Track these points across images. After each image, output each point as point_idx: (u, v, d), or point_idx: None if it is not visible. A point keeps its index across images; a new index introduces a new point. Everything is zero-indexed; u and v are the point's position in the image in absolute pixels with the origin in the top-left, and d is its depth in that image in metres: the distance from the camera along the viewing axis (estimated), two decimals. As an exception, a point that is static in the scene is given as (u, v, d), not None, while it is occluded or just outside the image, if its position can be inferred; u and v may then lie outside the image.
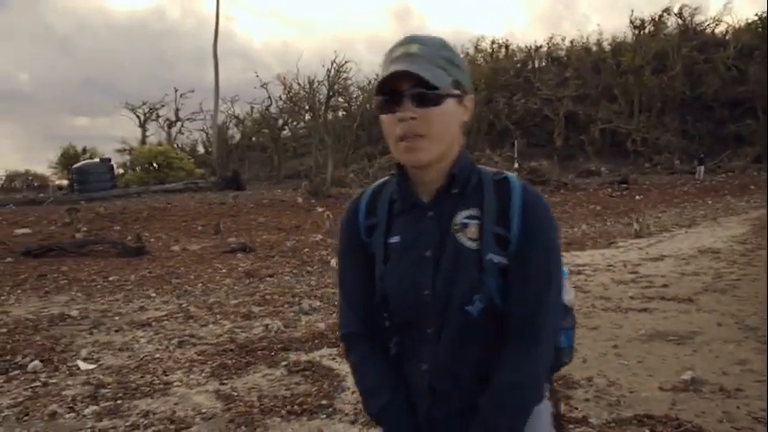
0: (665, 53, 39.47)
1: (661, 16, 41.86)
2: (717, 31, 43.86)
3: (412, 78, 1.23)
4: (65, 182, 39.23)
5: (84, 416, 3.83)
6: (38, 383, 4.46)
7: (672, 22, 42.67)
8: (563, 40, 47.73)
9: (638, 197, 22.59)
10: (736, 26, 43.20)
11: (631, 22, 42.17)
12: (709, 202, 20.72)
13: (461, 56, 1.36)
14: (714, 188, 25.00)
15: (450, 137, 1.30)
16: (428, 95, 1.24)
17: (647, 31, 41.60)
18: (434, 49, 1.28)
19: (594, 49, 45.17)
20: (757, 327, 5.30)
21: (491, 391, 1.29)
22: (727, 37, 42.76)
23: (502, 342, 1.30)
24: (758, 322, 5.44)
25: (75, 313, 6.71)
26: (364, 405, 1.43)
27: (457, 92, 1.29)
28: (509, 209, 1.30)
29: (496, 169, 1.39)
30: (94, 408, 3.94)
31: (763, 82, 35.61)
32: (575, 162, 35.28)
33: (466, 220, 1.31)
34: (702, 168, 29.40)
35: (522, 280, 1.29)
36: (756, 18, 41.27)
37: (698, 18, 43.67)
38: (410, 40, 1.29)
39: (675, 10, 42.02)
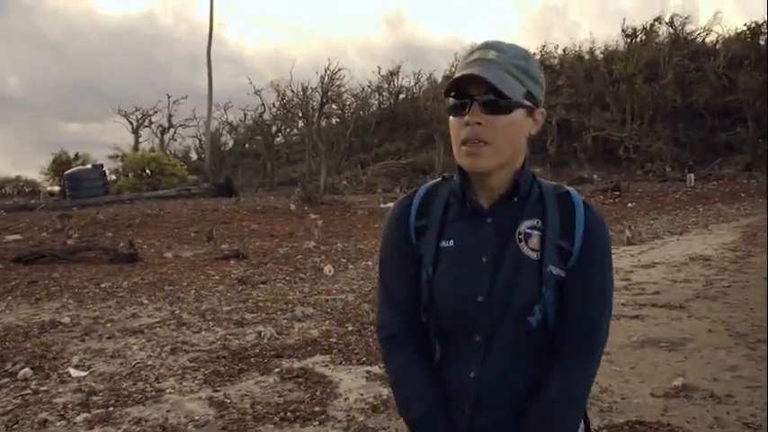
0: (657, 62, 39.78)
1: (653, 25, 42.23)
2: (707, 40, 44.34)
3: (483, 84, 1.23)
4: (56, 188, 39.07)
5: (76, 423, 3.81)
6: (28, 391, 4.43)
7: (663, 31, 43.06)
8: (556, 48, 48.15)
9: (630, 204, 22.71)
10: (726, 36, 43.67)
11: (623, 30, 42.51)
12: (701, 209, 20.85)
13: (539, 70, 1.34)
14: (705, 195, 25.16)
15: (515, 147, 1.30)
16: (498, 103, 1.24)
17: (638, 39, 41.91)
18: (511, 57, 1.27)
19: (587, 57, 45.52)
20: (747, 333, 5.34)
21: (544, 402, 1.28)
22: (717, 46, 43.19)
23: (550, 354, 1.31)
24: (748, 329, 5.48)
25: (66, 320, 6.67)
26: (403, 411, 1.39)
27: (528, 103, 1.29)
28: (573, 223, 1.31)
29: (556, 183, 1.41)
30: (86, 415, 3.92)
31: (754, 90, 36.01)
32: (567, 169, 35.46)
33: (529, 231, 1.31)
34: (692, 176, 29.58)
35: (582, 295, 1.30)
36: (746, 28, 41.69)
37: (689, 27, 44.11)
38: (488, 45, 1.29)
39: (667, 19, 42.43)
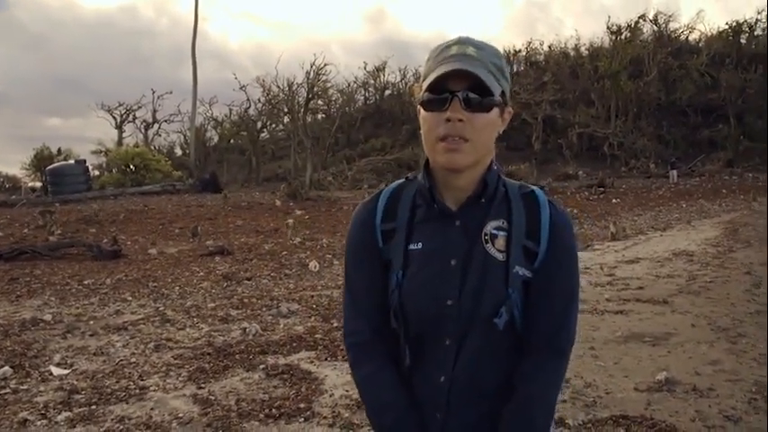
0: (641, 59, 40.13)
1: (637, 23, 42.61)
2: (690, 38, 44.82)
3: (466, 80, 1.21)
4: (38, 184, 38.54)
5: (57, 423, 3.76)
6: (7, 390, 4.36)
7: (647, 28, 43.49)
8: (541, 44, 48.36)
9: (614, 200, 22.89)
10: (709, 34, 44.14)
11: (608, 27, 42.90)
12: (684, 205, 21.07)
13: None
14: (688, 192, 25.44)
15: (489, 146, 1.29)
16: (479, 100, 1.23)
17: (623, 37, 42.25)
18: (489, 55, 1.26)
19: (572, 54, 45.75)
20: (729, 327, 5.41)
21: (515, 404, 1.28)
22: (700, 44, 43.66)
23: (519, 355, 1.30)
24: (729, 323, 5.56)
25: (48, 317, 6.59)
26: (374, 420, 1.36)
27: (502, 102, 1.28)
28: (539, 223, 1.30)
29: (520, 182, 1.40)
30: (67, 414, 3.87)
31: (736, 88, 36.46)
32: (553, 166, 35.65)
33: (495, 231, 1.30)
34: (675, 172, 29.91)
35: (549, 295, 1.30)
36: (728, 27, 42.16)
37: (672, 25, 44.56)
38: (465, 41, 1.27)
39: (651, 17, 42.80)
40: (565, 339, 1.32)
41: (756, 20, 40.60)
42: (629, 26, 42.60)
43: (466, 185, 1.31)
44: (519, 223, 1.30)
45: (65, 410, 3.93)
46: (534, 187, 1.37)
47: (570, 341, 1.34)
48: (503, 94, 1.27)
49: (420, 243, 1.32)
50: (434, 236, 1.31)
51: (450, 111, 1.22)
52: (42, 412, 3.92)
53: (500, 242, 1.29)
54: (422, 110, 1.28)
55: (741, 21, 41.52)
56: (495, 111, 1.27)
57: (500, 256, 1.28)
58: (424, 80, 1.27)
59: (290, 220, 12.69)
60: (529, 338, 1.30)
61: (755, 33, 41.40)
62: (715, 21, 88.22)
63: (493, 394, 1.30)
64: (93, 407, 3.99)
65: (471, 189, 1.31)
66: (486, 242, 1.29)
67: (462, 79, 1.21)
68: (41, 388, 4.41)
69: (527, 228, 1.30)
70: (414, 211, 1.35)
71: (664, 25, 43.70)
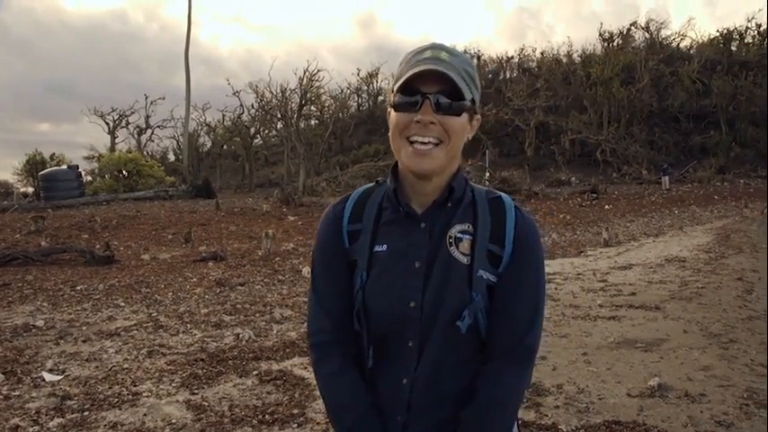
0: (634, 66, 40.39)
1: (629, 30, 42.94)
2: (682, 45, 45.15)
3: (438, 83, 1.22)
4: (30, 189, 38.33)
5: (49, 429, 3.74)
6: None
7: (639, 35, 43.80)
8: (534, 51, 48.65)
9: (607, 207, 22.99)
10: (700, 41, 44.52)
11: (600, 34, 43.23)
12: (676, 211, 21.19)
13: None
14: (680, 198, 25.59)
15: (458, 150, 1.30)
16: (453, 104, 1.23)
17: (615, 43, 42.56)
18: (461, 62, 1.27)
19: (565, 60, 46.00)
20: (720, 333, 5.44)
21: (477, 404, 1.27)
22: (691, 51, 44.00)
23: (481, 360, 1.30)
24: (721, 329, 5.59)
25: (40, 323, 6.55)
26: (334, 420, 1.36)
27: (473, 108, 1.29)
28: (504, 228, 1.31)
29: (488, 187, 1.40)
30: (60, 420, 3.85)
31: (727, 95, 36.75)
32: (545, 172, 35.77)
33: (460, 235, 1.30)
34: (668, 179, 30.06)
35: (513, 299, 1.30)
36: (718, 34, 42.55)
37: (664, 32, 44.91)
38: (438, 47, 1.27)
39: (642, 24, 43.13)
40: (529, 345, 1.31)
41: (747, 27, 41.05)
42: (621, 33, 42.98)
43: (432, 190, 1.32)
44: (484, 227, 1.31)
45: (57, 417, 3.91)
46: (502, 194, 1.38)
47: (534, 347, 1.33)
48: (472, 101, 1.28)
49: (385, 245, 1.33)
50: (399, 238, 1.32)
51: (422, 113, 1.23)
52: (34, 418, 3.90)
53: (465, 246, 1.30)
54: (392, 112, 1.29)
55: (732, 28, 41.94)
56: (465, 116, 1.27)
57: (464, 260, 1.29)
58: (395, 83, 1.28)
59: (270, 230, 12.37)
60: (493, 343, 1.30)
61: (746, 41, 41.77)
62: (705, 28, 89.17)
63: (454, 398, 1.30)
64: (86, 413, 3.97)
65: (438, 193, 1.32)
66: (451, 245, 1.30)
67: (434, 83, 1.22)
68: (33, 394, 4.38)
69: (492, 232, 1.31)
70: (380, 213, 1.36)
71: (655, 32, 44.12)
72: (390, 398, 1.32)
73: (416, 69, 1.22)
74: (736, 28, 41.76)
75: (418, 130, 1.23)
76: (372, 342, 1.33)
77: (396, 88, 1.26)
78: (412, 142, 1.25)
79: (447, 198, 1.31)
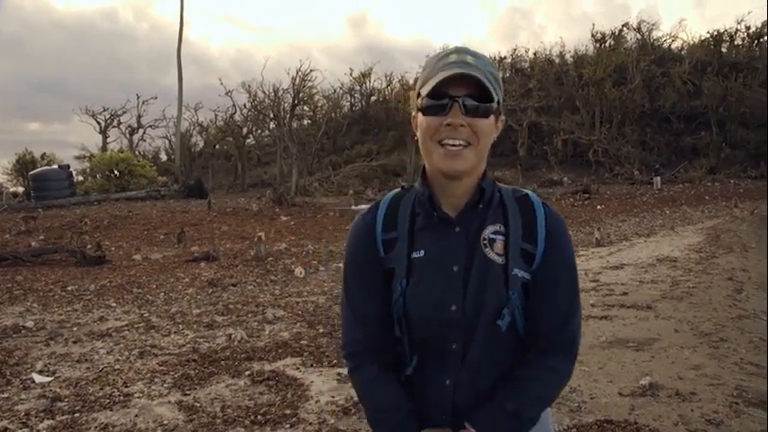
0: (626, 66, 40.52)
1: (621, 30, 43.12)
2: (673, 46, 45.33)
3: (466, 87, 1.24)
4: (20, 189, 38.10)
5: (39, 431, 3.72)
6: (-10, 397, 4.31)
7: (631, 36, 43.97)
8: (527, 51, 48.68)
9: (599, 207, 23.08)
10: (690, 42, 44.74)
11: (593, 35, 43.37)
12: (667, 211, 21.29)
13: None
14: (672, 198, 25.72)
15: (486, 151, 1.32)
16: (480, 107, 1.25)
17: (607, 44, 42.72)
18: (486, 64, 1.29)
19: (557, 61, 46.11)
20: (711, 332, 5.47)
21: (516, 383, 1.31)
22: (682, 52, 44.20)
23: (517, 354, 1.33)
24: (712, 328, 5.62)
25: (30, 324, 6.51)
26: (374, 423, 1.38)
27: (499, 110, 1.31)
28: (535, 226, 1.33)
29: (513, 186, 1.43)
30: (50, 422, 3.83)
31: (717, 96, 36.98)
32: (538, 172, 35.86)
33: (493, 236, 1.32)
34: (659, 179, 30.20)
35: (551, 295, 1.33)
36: (709, 36, 42.80)
37: (655, 33, 45.09)
38: (463, 50, 1.29)
39: (634, 25, 43.31)
40: (571, 335, 1.35)
41: (736, 29, 41.30)
42: (612, 34, 43.12)
43: (463, 192, 1.33)
44: (516, 227, 1.33)
45: (47, 418, 3.89)
46: (528, 191, 1.41)
47: (576, 338, 1.37)
48: (498, 103, 1.30)
49: (422, 251, 1.34)
50: (436, 243, 1.34)
51: (452, 116, 1.25)
52: (24, 420, 3.87)
53: (498, 246, 1.32)
54: (420, 115, 1.30)
55: (722, 30, 42.18)
56: (492, 117, 1.29)
57: (499, 260, 1.31)
58: (422, 87, 1.29)
59: (262, 234, 12.31)
60: (535, 338, 1.33)
61: (735, 42, 42.03)
62: (695, 29, 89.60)
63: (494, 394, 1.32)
64: (77, 414, 3.95)
65: (468, 196, 1.34)
66: (485, 247, 1.32)
67: (462, 86, 1.24)
68: (23, 396, 4.35)
69: (524, 231, 1.33)
70: (413, 219, 1.37)
71: (647, 33, 44.26)
72: (435, 400, 1.34)
73: (445, 73, 1.24)
74: (726, 30, 42.05)
75: (448, 133, 1.26)
76: (414, 347, 1.35)
77: (423, 92, 1.28)
78: (441, 144, 1.27)
79: (479, 200, 1.33)
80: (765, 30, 39.70)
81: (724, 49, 42.60)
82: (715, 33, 42.34)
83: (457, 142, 1.25)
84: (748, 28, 40.73)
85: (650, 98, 40.50)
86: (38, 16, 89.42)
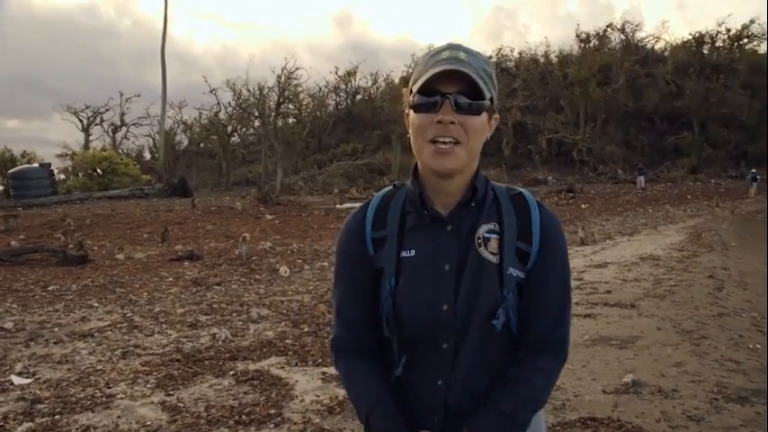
0: (609, 66, 40.86)
1: (605, 31, 43.44)
2: (656, 47, 45.75)
3: (458, 84, 1.22)
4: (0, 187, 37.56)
5: (19, 432, 3.66)
6: (-32, 399, 4.24)
7: (615, 36, 44.30)
8: (512, 51, 48.87)
9: (583, 206, 23.25)
10: (673, 44, 45.22)
11: (577, 35, 43.66)
12: (650, 210, 21.50)
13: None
14: (655, 197, 25.98)
15: (478, 149, 1.30)
16: (472, 104, 1.24)
17: (592, 44, 43.03)
18: (479, 61, 1.27)
19: (542, 60, 46.34)
20: (692, 330, 5.54)
21: (509, 384, 1.30)
22: (665, 53, 44.65)
23: (511, 353, 1.33)
24: (693, 326, 5.69)
25: (9, 325, 6.41)
26: (356, 411, 1.38)
27: (492, 107, 1.30)
28: (530, 224, 1.32)
29: (506, 185, 1.42)
30: (29, 425, 3.77)
31: (699, 96, 37.43)
32: (522, 171, 36.10)
33: (488, 234, 1.31)
34: (643, 178, 30.50)
35: (544, 294, 1.32)
36: (691, 37, 43.26)
37: (639, 34, 45.44)
38: (455, 47, 1.28)
39: (618, 25, 43.64)
40: (561, 337, 1.35)
41: (717, 32, 41.79)
42: (597, 34, 43.43)
43: (455, 190, 1.32)
44: (510, 225, 1.32)
45: (26, 421, 3.83)
46: (522, 189, 1.40)
47: (566, 339, 1.37)
48: (491, 100, 1.29)
49: (413, 250, 1.33)
50: (427, 242, 1.32)
51: (442, 113, 1.23)
52: (1, 424, 3.81)
53: (493, 245, 1.31)
54: (411, 113, 1.28)
55: (703, 32, 42.65)
56: (485, 115, 1.28)
57: (494, 259, 1.30)
58: (414, 83, 1.28)
59: (246, 235, 12.21)
60: (527, 337, 1.32)
61: (716, 44, 42.54)
62: (677, 31, 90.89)
63: (486, 396, 1.32)
64: (57, 416, 3.90)
65: (461, 194, 1.32)
66: (480, 245, 1.30)
67: (454, 83, 1.23)
68: (1, 398, 4.28)
69: (518, 229, 1.32)
70: (404, 218, 1.36)
71: (631, 34, 44.58)
72: (426, 400, 1.33)
73: (436, 70, 1.22)
74: (707, 32, 42.53)
75: (439, 131, 1.24)
76: (405, 346, 1.33)
77: (415, 89, 1.26)
78: (432, 142, 1.25)
79: (471, 198, 1.32)
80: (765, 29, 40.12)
81: (705, 51, 43.09)
82: (696, 35, 42.82)
83: (447, 140, 1.23)
84: (729, 30, 41.22)
85: (634, 98, 40.89)
86: (16, 11, 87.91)
